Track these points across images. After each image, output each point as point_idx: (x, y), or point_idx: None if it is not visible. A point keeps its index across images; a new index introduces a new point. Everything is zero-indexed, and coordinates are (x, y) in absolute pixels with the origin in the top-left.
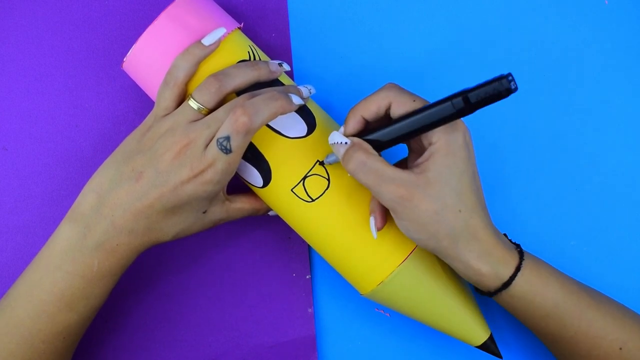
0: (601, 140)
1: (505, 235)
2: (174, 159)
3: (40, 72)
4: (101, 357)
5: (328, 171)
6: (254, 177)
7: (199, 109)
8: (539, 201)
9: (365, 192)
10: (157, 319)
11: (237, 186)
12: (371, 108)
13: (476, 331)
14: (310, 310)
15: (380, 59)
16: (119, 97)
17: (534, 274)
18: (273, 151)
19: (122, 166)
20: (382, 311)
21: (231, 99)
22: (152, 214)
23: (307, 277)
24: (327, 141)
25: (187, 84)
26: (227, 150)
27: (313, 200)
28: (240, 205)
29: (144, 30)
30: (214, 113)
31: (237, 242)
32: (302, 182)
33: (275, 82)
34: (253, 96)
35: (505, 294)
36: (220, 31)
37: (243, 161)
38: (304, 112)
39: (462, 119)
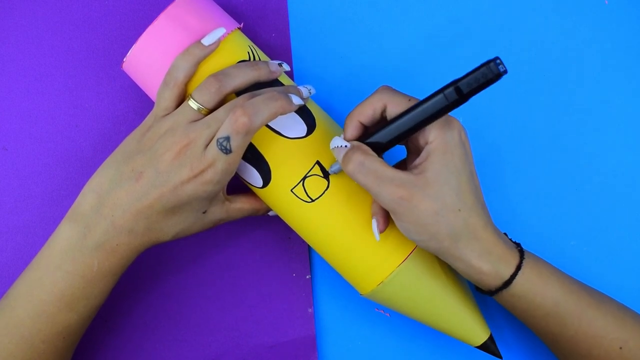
0: (601, 140)
1: (505, 234)
2: (174, 159)
3: (40, 72)
4: (101, 357)
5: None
6: (254, 177)
7: (198, 109)
8: (539, 201)
9: (364, 192)
10: (157, 319)
11: (237, 186)
12: (367, 112)
13: (476, 331)
14: (310, 310)
15: (380, 59)
16: (119, 97)
17: (534, 272)
18: (273, 151)
19: (122, 166)
20: (382, 311)
21: (231, 99)
22: (152, 214)
23: (307, 277)
24: (327, 141)
25: (186, 84)
26: (227, 151)
27: (313, 201)
28: (240, 205)
29: (144, 30)
30: (214, 113)
31: (237, 242)
32: (301, 182)
33: (275, 82)
34: (253, 96)
35: (506, 292)
36: (220, 31)
37: (243, 161)
38: (303, 112)
39: (460, 120)
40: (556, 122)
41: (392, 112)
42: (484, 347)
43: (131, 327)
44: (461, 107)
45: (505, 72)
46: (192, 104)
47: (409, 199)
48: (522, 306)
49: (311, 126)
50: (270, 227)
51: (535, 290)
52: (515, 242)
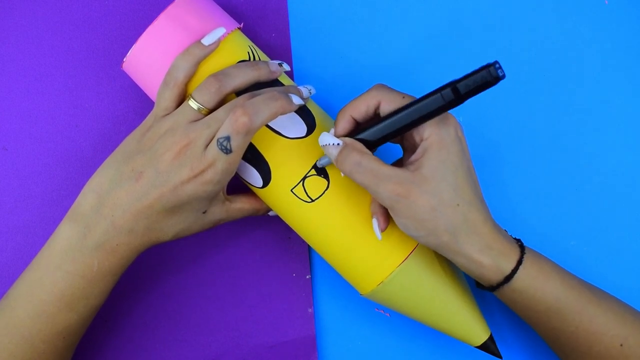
0: (601, 140)
1: (505, 231)
2: (174, 159)
3: (40, 72)
4: (101, 357)
5: (327, 171)
6: (254, 177)
7: (199, 109)
8: (539, 201)
9: (364, 191)
10: (157, 319)
11: (237, 186)
12: (360, 108)
13: (476, 331)
14: (310, 310)
15: (380, 59)
16: (119, 97)
17: (535, 268)
18: (273, 152)
19: (122, 166)
20: (382, 311)
21: (231, 99)
22: (152, 214)
23: (307, 277)
24: None
25: (187, 84)
26: (227, 150)
27: (313, 201)
28: (240, 205)
29: (144, 30)
30: (214, 113)
31: (237, 242)
32: (301, 182)
33: (275, 82)
34: (253, 96)
35: (507, 287)
36: (220, 31)
37: (243, 161)
38: (303, 112)
39: (461, 119)
40: (556, 121)
41: (386, 109)
42: (484, 347)
43: (131, 327)
44: (462, 106)
45: (504, 76)
46: (192, 103)
47: (407, 195)
48: (522, 301)
49: (311, 126)
50: (270, 227)
51: (536, 285)
52: (515, 238)
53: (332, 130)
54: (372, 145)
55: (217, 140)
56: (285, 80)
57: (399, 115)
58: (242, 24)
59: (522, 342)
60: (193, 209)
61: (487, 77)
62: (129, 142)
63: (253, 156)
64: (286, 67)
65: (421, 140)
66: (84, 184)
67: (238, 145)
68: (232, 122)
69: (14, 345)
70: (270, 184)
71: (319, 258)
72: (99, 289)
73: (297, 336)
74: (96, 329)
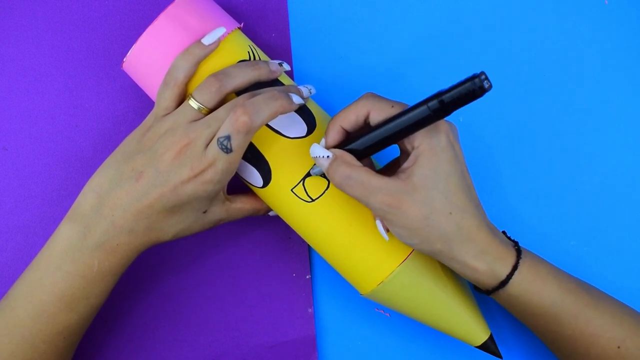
0: (601, 140)
1: (504, 232)
2: (174, 158)
3: (40, 72)
4: (101, 357)
5: None
6: (254, 177)
7: (199, 108)
8: (538, 201)
9: None
10: (157, 319)
11: (237, 186)
12: (350, 118)
13: (476, 331)
14: (310, 310)
15: (380, 60)
16: (119, 97)
17: (531, 272)
18: (273, 151)
19: (122, 166)
20: (382, 311)
21: (231, 99)
22: (152, 213)
23: (307, 277)
24: None
25: (187, 84)
26: (227, 150)
27: (313, 200)
28: (241, 205)
29: (144, 30)
30: (214, 112)
31: (237, 242)
32: (302, 182)
33: (275, 82)
34: (253, 96)
35: (503, 292)
36: (220, 31)
37: (243, 161)
38: (303, 112)
39: (460, 120)
40: (556, 122)
41: (375, 118)
42: (484, 347)
43: (131, 327)
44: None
45: (490, 87)
46: (193, 103)
47: (398, 205)
48: (519, 305)
49: (311, 126)
50: (270, 227)
51: (532, 289)
52: (513, 240)
53: (323, 141)
54: (363, 155)
55: (218, 139)
56: (285, 80)
57: (387, 126)
58: (242, 24)
59: (522, 342)
60: (193, 208)
61: (472, 88)
62: (129, 142)
63: (253, 156)
64: (286, 66)
65: (412, 149)
66: (84, 184)
67: (238, 145)
68: (233, 121)
69: (15, 346)
70: (270, 184)
71: (319, 258)
72: (99, 289)
73: (297, 336)
74: (96, 329)
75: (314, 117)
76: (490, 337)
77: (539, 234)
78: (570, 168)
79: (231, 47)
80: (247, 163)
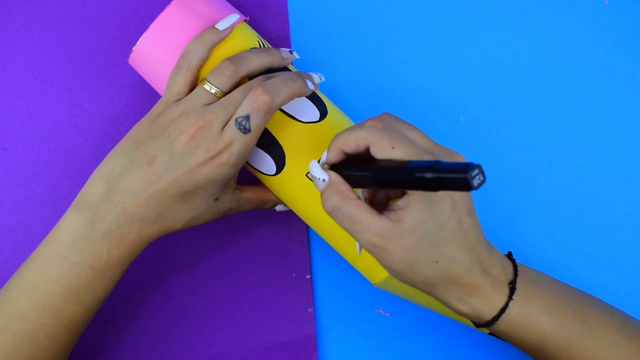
0: (601, 140)
1: (509, 254)
2: (189, 141)
3: (40, 72)
4: (101, 357)
5: None
6: (267, 164)
7: (214, 92)
8: (538, 201)
9: None
10: (157, 319)
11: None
12: (350, 145)
13: None
14: (310, 310)
15: (380, 59)
16: (119, 97)
17: (522, 312)
18: (287, 136)
19: (134, 152)
20: (382, 311)
21: (243, 84)
22: (165, 199)
23: (307, 277)
24: (340, 127)
25: (200, 68)
26: (245, 130)
27: None
28: (250, 195)
29: (144, 31)
30: (230, 94)
31: (237, 242)
32: None
33: (285, 70)
34: (268, 79)
35: (490, 328)
36: (234, 17)
37: (256, 148)
38: (314, 98)
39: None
40: (556, 121)
41: (375, 153)
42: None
43: (131, 327)
44: (462, 106)
45: (481, 184)
46: (207, 86)
47: (384, 248)
48: (506, 339)
49: (323, 111)
50: (270, 227)
51: (520, 329)
52: (514, 267)
53: (324, 155)
54: (359, 186)
55: (236, 119)
56: (292, 70)
57: (379, 176)
58: (248, 18)
59: None
60: (206, 194)
61: (460, 184)
62: (139, 129)
63: (267, 142)
64: (297, 55)
65: (407, 192)
66: (84, 184)
67: (257, 125)
68: (253, 100)
69: (17, 341)
70: (284, 170)
71: (319, 258)
72: (107, 280)
73: (297, 336)
74: (96, 328)
75: (325, 104)
76: None
77: (539, 234)
78: (570, 168)
79: (242, 36)
80: (260, 150)
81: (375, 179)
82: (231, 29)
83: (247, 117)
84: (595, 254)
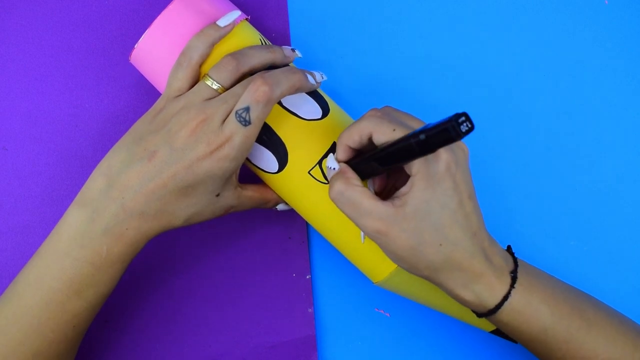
0: (601, 140)
1: (509, 247)
2: (190, 135)
3: (40, 72)
4: (101, 357)
5: None
6: (269, 162)
7: (215, 87)
8: (538, 200)
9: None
10: (157, 319)
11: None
12: (354, 137)
13: None
14: (310, 310)
15: (380, 59)
16: (119, 96)
17: (523, 302)
18: (290, 133)
19: (134, 147)
20: (382, 311)
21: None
22: (165, 194)
23: (307, 277)
24: (343, 124)
25: (201, 65)
26: (246, 122)
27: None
28: (251, 193)
29: (144, 31)
30: (231, 89)
31: (237, 242)
32: (319, 164)
33: None
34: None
35: (491, 317)
36: (235, 13)
37: (259, 146)
38: (316, 96)
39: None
40: (556, 121)
41: (378, 140)
42: (497, 331)
43: (131, 327)
44: (461, 106)
45: (470, 130)
46: (209, 82)
47: (386, 233)
48: (509, 329)
49: (325, 109)
50: (270, 227)
51: (521, 318)
52: (514, 260)
53: (335, 154)
54: (367, 175)
55: (236, 112)
56: None
57: (381, 155)
58: (249, 17)
59: None
60: (207, 190)
61: (448, 132)
62: (140, 124)
63: (270, 139)
64: (299, 53)
65: (410, 175)
66: (84, 184)
67: (257, 117)
68: (252, 91)
69: (23, 334)
70: (286, 167)
71: (319, 258)
72: (108, 276)
73: (297, 336)
74: (96, 328)
75: (327, 102)
76: None
77: (539, 234)
78: (570, 168)
79: (243, 33)
80: (262, 147)
81: (378, 159)
82: (232, 25)
83: (247, 109)
84: (595, 254)
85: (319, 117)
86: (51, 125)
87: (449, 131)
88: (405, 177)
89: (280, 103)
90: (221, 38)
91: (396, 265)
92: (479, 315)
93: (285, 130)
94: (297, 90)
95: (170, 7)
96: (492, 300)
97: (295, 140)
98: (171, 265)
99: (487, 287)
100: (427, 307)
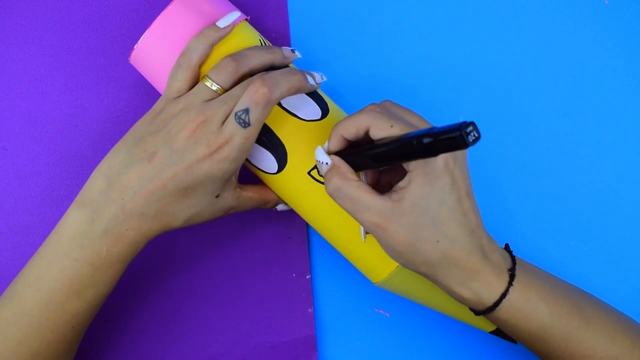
0: (601, 140)
1: (506, 246)
2: (189, 137)
3: (40, 72)
4: (101, 357)
5: None
6: (269, 162)
7: (215, 88)
8: (538, 200)
9: None
10: (157, 319)
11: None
12: (350, 130)
13: None
14: (310, 310)
15: (380, 59)
16: (119, 97)
17: (520, 300)
18: (289, 133)
19: (134, 148)
20: (382, 311)
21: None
22: (165, 195)
23: (307, 277)
24: None
25: (200, 66)
26: (245, 124)
27: None
28: (251, 194)
29: (144, 31)
30: (230, 91)
31: (237, 242)
32: None
33: None
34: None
35: (489, 315)
36: (235, 14)
37: (258, 146)
38: (316, 97)
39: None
40: (556, 121)
41: (375, 134)
42: (497, 332)
43: (131, 328)
44: (461, 106)
45: (476, 140)
46: (208, 83)
47: (385, 227)
48: (507, 327)
49: (325, 110)
50: (270, 227)
51: (520, 316)
52: (512, 258)
53: (326, 144)
54: (361, 168)
55: (235, 114)
56: None
57: (379, 151)
58: (249, 17)
59: None
60: (206, 191)
61: (457, 141)
62: (140, 126)
63: (269, 139)
64: (299, 54)
65: (408, 170)
66: (84, 184)
67: (257, 118)
68: (252, 93)
69: (23, 334)
70: (286, 168)
71: (319, 258)
72: (107, 277)
73: (297, 336)
74: (96, 328)
75: (326, 103)
76: None
77: (538, 234)
78: (570, 168)
79: (243, 34)
80: (262, 148)
81: (375, 157)
82: (232, 26)
83: (247, 111)
84: (595, 254)
85: (319, 117)
86: (51, 125)
87: (456, 140)
88: (401, 171)
89: (279, 104)
90: (221, 39)
91: (396, 266)
92: (477, 313)
93: (285, 131)
94: (296, 92)
95: (170, 7)
96: (490, 298)
97: (295, 141)
98: (171, 265)
99: (485, 284)
100: (427, 307)
